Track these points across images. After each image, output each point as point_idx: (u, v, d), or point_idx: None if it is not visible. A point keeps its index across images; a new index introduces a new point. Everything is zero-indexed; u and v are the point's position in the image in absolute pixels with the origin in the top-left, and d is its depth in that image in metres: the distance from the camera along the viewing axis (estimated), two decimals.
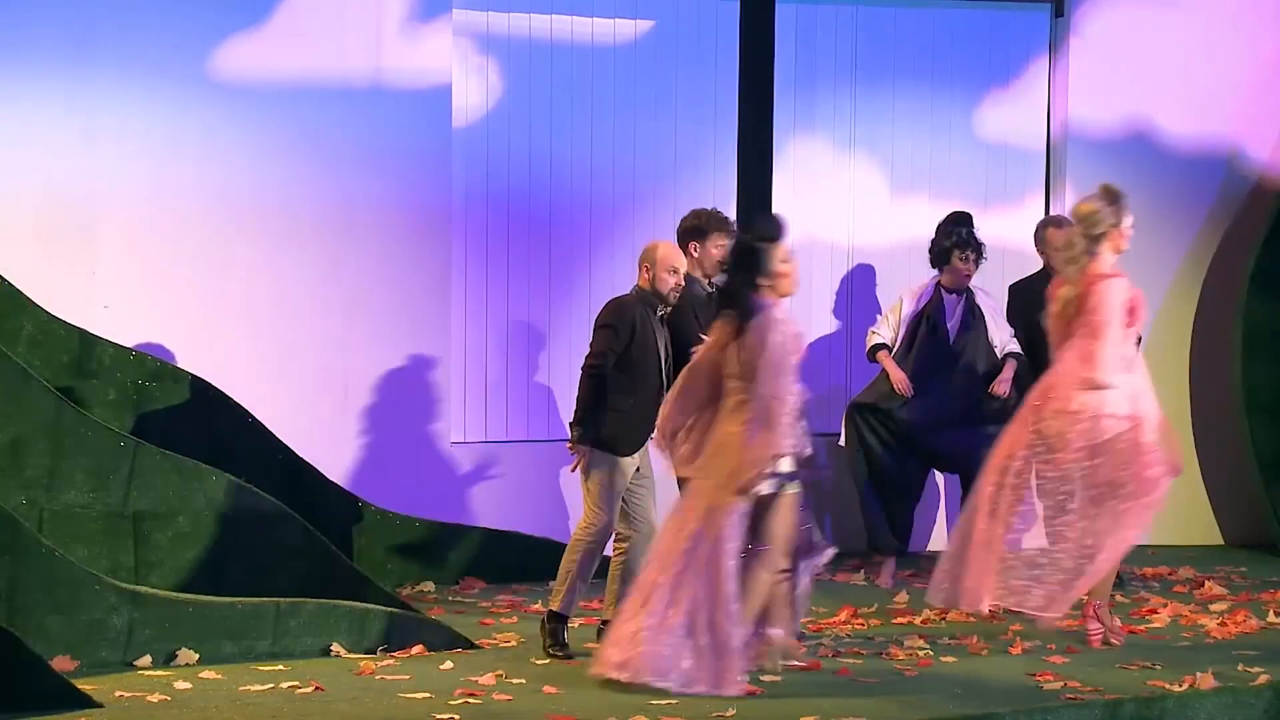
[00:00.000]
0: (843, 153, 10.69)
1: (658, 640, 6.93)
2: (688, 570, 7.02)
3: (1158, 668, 7.45)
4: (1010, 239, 10.78)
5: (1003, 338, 9.59)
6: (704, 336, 7.86)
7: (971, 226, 9.58)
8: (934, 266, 9.61)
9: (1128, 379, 7.65)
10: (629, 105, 10.29)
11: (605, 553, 7.90)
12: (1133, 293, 7.69)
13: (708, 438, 7.21)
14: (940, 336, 9.53)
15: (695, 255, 8.10)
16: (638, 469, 7.80)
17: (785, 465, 7.13)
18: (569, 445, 7.73)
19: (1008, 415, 9.23)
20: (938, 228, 9.62)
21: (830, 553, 7.39)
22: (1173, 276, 11.00)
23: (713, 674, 6.93)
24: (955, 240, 9.50)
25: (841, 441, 9.65)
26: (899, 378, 9.46)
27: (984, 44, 10.84)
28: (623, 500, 7.78)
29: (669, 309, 7.83)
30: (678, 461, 7.34)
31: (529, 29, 10.14)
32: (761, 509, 7.17)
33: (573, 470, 7.78)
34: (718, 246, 8.09)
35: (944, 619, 8.56)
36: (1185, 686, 7.05)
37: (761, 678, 7.17)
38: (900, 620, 8.56)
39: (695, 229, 8.10)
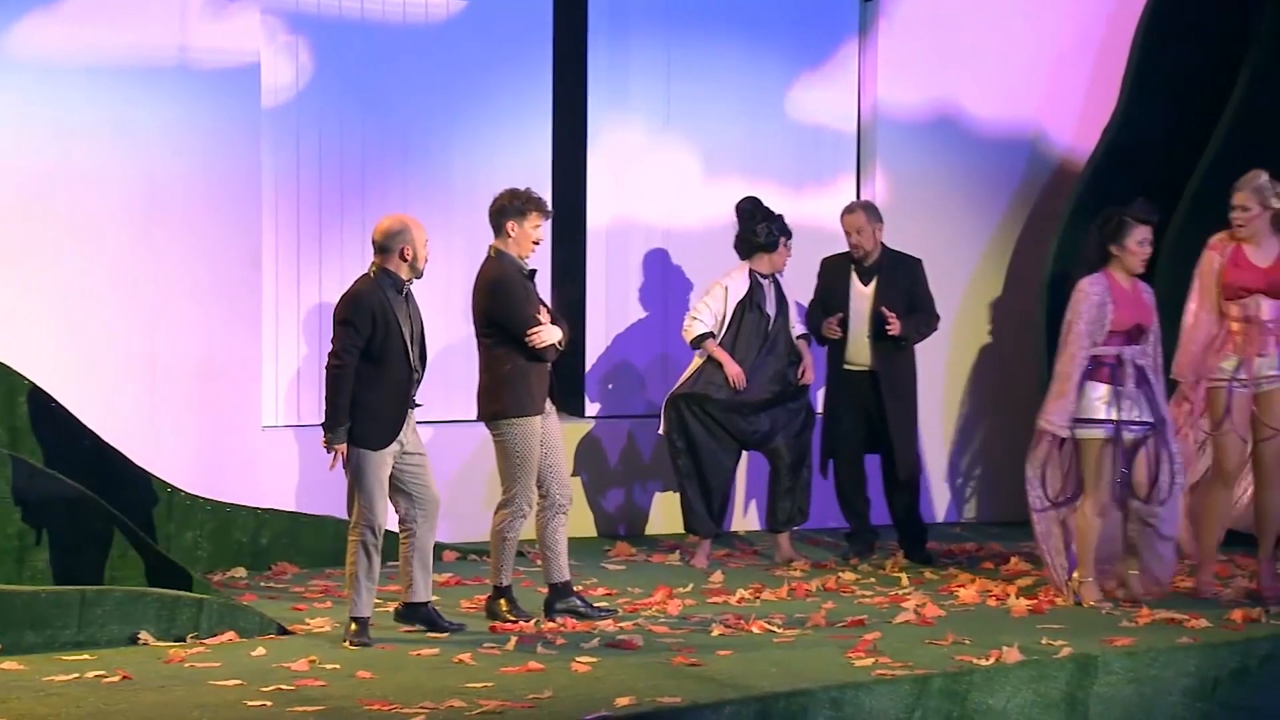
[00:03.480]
0: (657, 134, 10.71)
1: None
2: None
3: (966, 643, 7.58)
4: (823, 220, 10.90)
5: (794, 319, 9.74)
6: (538, 316, 7.88)
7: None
8: (746, 256, 9.61)
9: None
10: (442, 84, 10.22)
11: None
12: None
13: None
14: (764, 322, 9.59)
15: (512, 234, 8.07)
16: (404, 450, 7.68)
17: (1099, 415, 8.26)
18: (323, 444, 7.61)
19: (803, 391, 9.46)
20: (748, 216, 9.59)
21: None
22: (979, 258, 11.19)
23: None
24: (777, 228, 9.56)
25: (660, 430, 9.65)
26: (735, 371, 9.46)
27: (796, 26, 10.93)
28: (399, 483, 7.72)
29: (410, 285, 7.73)
30: None
31: (339, 7, 10.02)
32: (1075, 455, 8.36)
33: (331, 469, 7.68)
34: (535, 227, 8.08)
35: (758, 599, 8.64)
36: (991, 661, 7.18)
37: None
38: (715, 600, 8.61)
39: (515, 209, 8.07)
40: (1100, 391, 8.34)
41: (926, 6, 11.04)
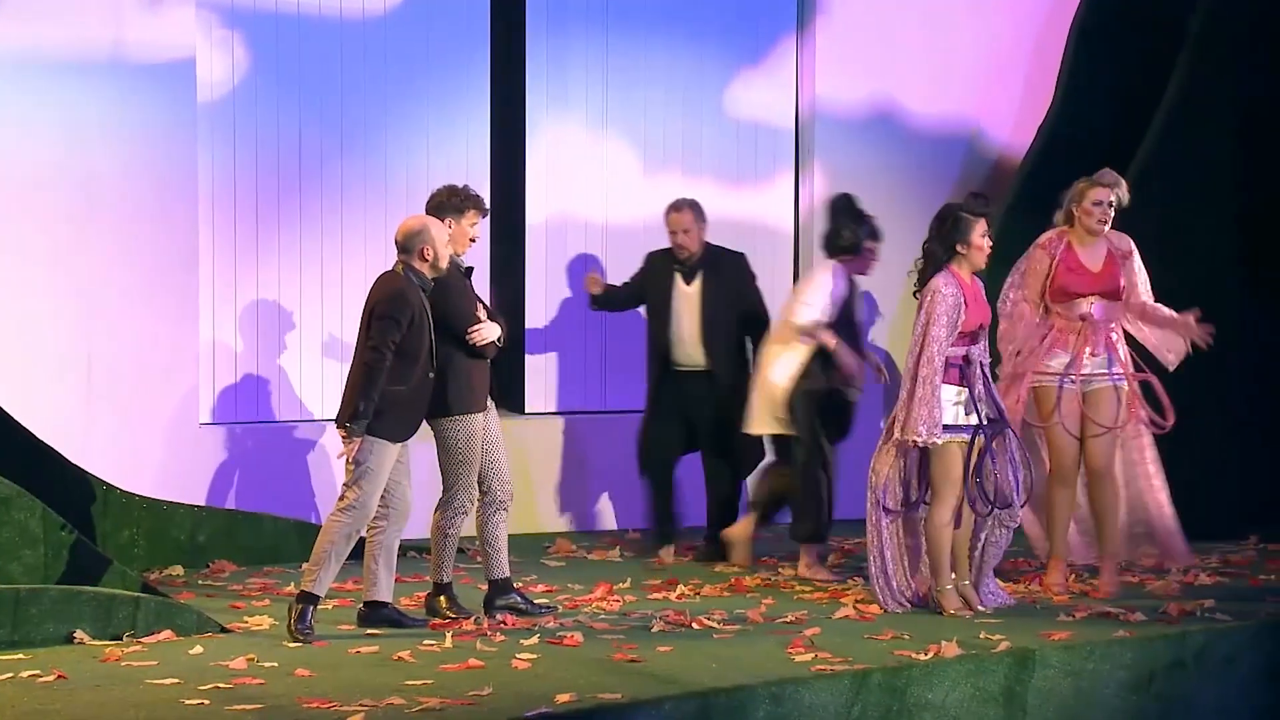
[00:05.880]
0: (595, 130, 10.71)
1: None
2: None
3: (906, 637, 7.61)
4: (763, 217, 10.93)
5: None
6: (477, 314, 7.86)
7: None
8: (833, 255, 9.07)
9: None
10: (379, 80, 10.18)
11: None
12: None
13: None
14: (856, 328, 9.14)
15: (450, 231, 8.06)
16: (403, 448, 7.73)
17: (950, 419, 7.94)
18: (342, 435, 7.61)
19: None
20: (833, 214, 9.09)
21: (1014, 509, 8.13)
22: (917, 254, 11.21)
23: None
24: (865, 231, 9.10)
25: (794, 431, 9.01)
26: (850, 362, 8.91)
27: (734, 23, 10.95)
28: None
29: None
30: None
31: (274, 2, 9.97)
32: (927, 460, 8.03)
33: (340, 457, 7.67)
34: (472, 224, 8.09)
35: (698, 594, 8.65)
36: (930, 655, 7.22)
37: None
38: (655, 597, 8.62)
39: (454, 206, 8.07)
40: (952, 394, 8.02)
41: (864, 3, 11.07)
